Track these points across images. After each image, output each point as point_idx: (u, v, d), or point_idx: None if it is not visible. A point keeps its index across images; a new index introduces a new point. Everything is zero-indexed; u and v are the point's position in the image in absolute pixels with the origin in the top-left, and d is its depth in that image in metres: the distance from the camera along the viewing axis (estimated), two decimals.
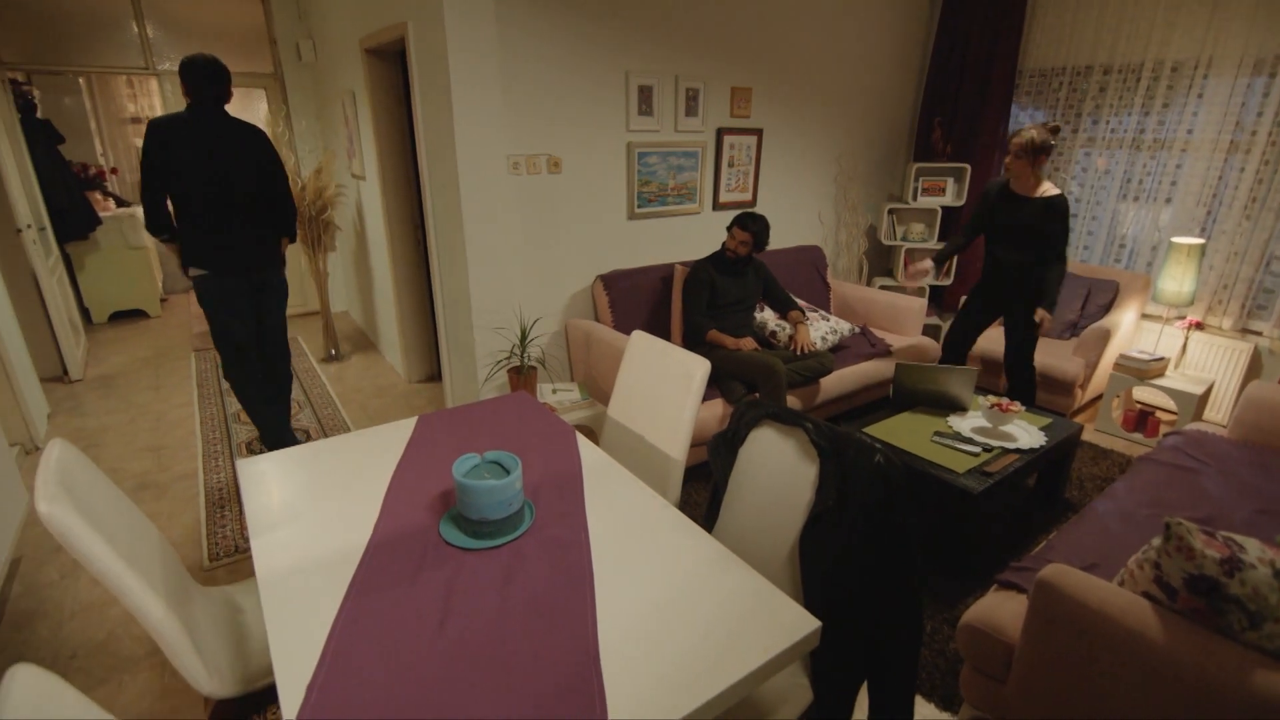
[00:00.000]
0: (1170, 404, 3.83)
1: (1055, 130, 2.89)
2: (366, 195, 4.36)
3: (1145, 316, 3.96)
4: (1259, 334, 3.56)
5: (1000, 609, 1.68)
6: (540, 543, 1.36)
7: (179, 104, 4.90)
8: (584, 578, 1.26)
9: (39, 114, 5.25)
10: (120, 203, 6.16)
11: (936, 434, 2.67)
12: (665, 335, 3.54)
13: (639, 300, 3.45)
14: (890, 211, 4.66)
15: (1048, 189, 2.97)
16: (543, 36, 3.01)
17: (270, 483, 1.59)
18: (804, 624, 1.14)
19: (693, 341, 3.22)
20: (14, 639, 2.12)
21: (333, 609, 1.17)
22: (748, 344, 3.12)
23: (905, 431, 2.70)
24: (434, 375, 4.33)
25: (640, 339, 2.11)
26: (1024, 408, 2.91)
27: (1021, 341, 3.22)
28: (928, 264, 3.30)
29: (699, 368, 1.84)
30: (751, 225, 3.13)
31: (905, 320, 3.98)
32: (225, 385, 4.17)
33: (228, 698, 1.30)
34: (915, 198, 4.56)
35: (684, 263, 3.55)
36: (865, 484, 1.30)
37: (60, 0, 4.41)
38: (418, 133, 3.13)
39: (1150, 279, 3.82)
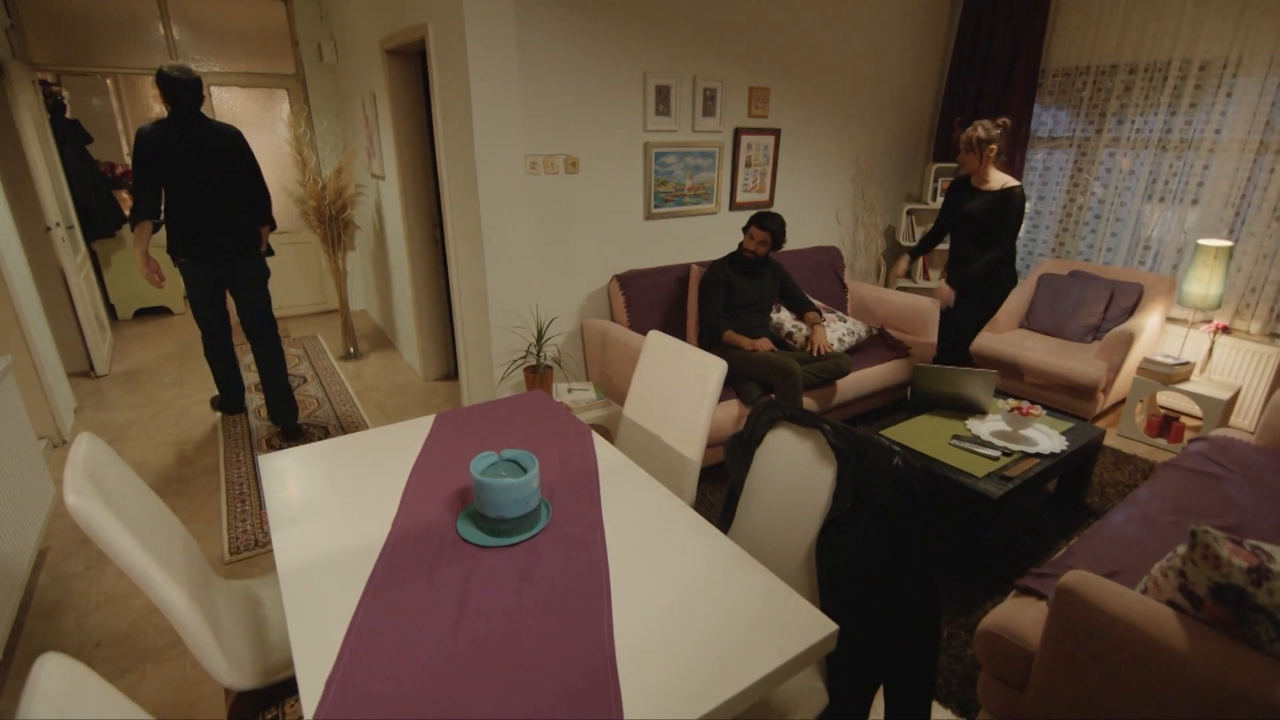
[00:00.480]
0: (1195, 409, 3.76)
1: (1004, 125, 3.01)
2: (386, 195, 4.40)
3: (1170, 320, 3.89)
4: None
5: (1019, 615, 1.66)
6: (556, 541, 1.37)
7: (204, 103, 4.97)
8: (600, 577, 1.26)
9: (68, 114, 5.37)
10: None
11: (955, 437, 2.64)
12: (681, 335, 3.54)
13: (655, 300, 3.45)
14: (909, 212, 4.62)
15: (1006, 181, 3.02)
16: (561, 37, 3.02)
17: (290, 478, 1.61)
18: (821, 627, 1.14)
19: (708, 342, 3.22)
20: (40, 628, 2.16)
21: (351, 604, 1.18)
22: (764, 345, 3.11)
23: (923, 434, 2.68)
24: (450, 374, 4.36)
25: (657, 339, 2.11)
26: (1044, 411, 2.87)
27: (965, 331, 3.30)
28: (945, 289, 3.24)
29: (716, 368, 1.83)
30: (769, 224, 3.12)
31: (923, 322, 3.94)
32: (248, 381, 4.22)
33: (247, 690, 1.32)
34: (934, 198, 4.51)
35: (700, 263, 3.55)
36: (884, 487, 1.29)
37: (89, 3, 4.50)
38: (437, 133, 3.16)
39: (1175, 281, 3.75)
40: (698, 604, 1.19)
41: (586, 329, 3.48)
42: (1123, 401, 3.95)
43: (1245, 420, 3.61)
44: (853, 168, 4.43)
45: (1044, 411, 2.66)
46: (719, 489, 2.99)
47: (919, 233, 4.64)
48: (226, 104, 5.11)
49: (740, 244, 3.23)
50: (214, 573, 1.54)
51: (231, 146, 3.08)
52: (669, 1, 3.27)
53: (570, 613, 1.16)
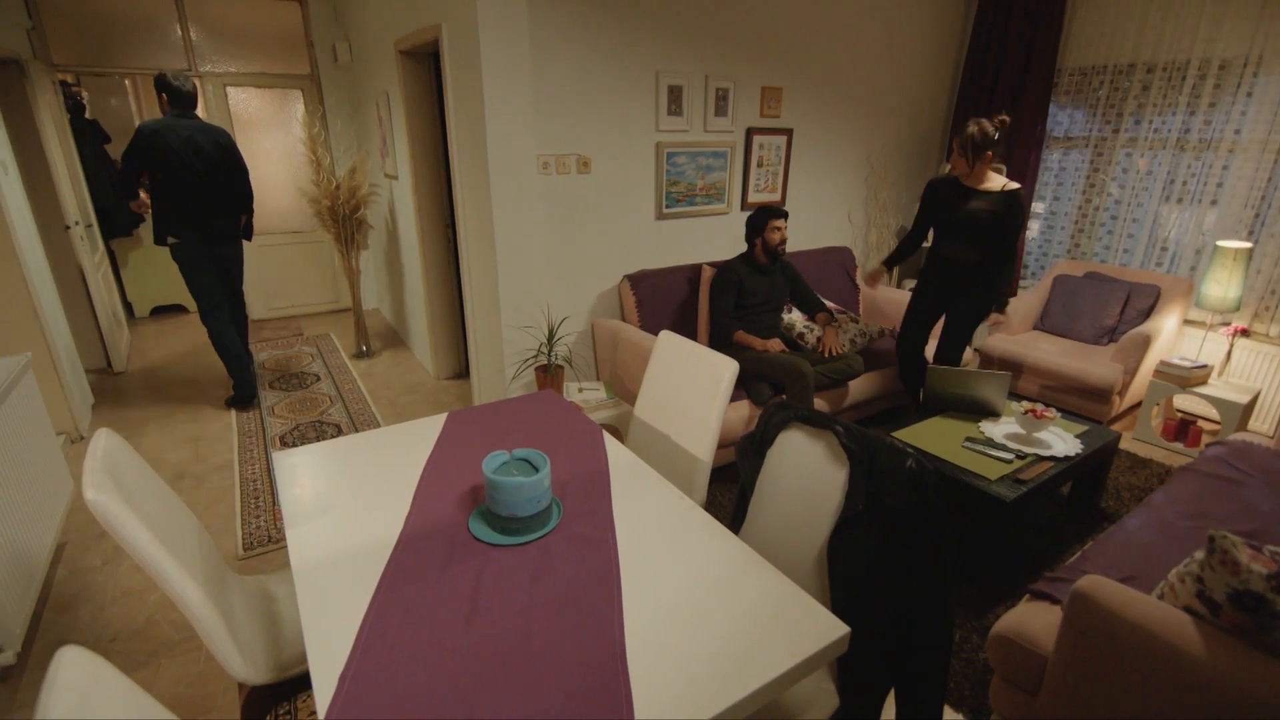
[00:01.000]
0: (1213, 413, 3.71)
1: (1003, 124, 2.85)
2: (399, 195, 4.43)
3: (1187, 322, 3.84)
4: None
5: (1033, 620, 1.64)
6: (567, 540, 1.37)
7: (219, 104, 5.04)
8: (611, 576, 1.26)
9: (87, 114, 5.43)
10: None
11: (968, 439, 2.62)
12: (692, 336, 3.53)
13: (666, 300, 3.45)
14: None
15: (1006, 182, 2.93)
16: (574, 37, 3.02)
17: (304, 475, 1.62)
18: (832, 629, 1.13)
19: (719, 342, 3.21)
20: (58, 621, 2.19)
21: (364, 600, 1.19)
22: (775, 345, 3.10)
23: (935, 436, 2.66)
24: (462, 373, 4.38)
25: (668, 339, 2.11)
26: (1059, 414, 2.84)
27: (960, 340, 3.19)
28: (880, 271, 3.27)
29: (727, 369, 1.83)
30: (783, 211, 3.18)
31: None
32: (261, 379, 4.27)
33: (261, 684, 1.33)
34: None
35: (712, 263, 3.55)
36: (896, 489, 1.28)
37: (109, 5, 4.56)
38: (450, 133, 3.17)
39: (1193, 283, 3.70)
40: (708, 605, 1.19)
41: (597, 329, 3.48)
42: (1139, 405, 3.90)
43: (1264, 424, 3.56)
44: (865, 168, 4.41)
45: (1058, 414, 2.64)
46: (728, 490, 2.98)
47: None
48: (242, 104, 5.16)
49: (758, 241, 3.21)
50: (228, 568, 1.56)
51: (222, 142, 3.56)
52: (681, 1, 3.26)
53: (581, 612, 1.17)
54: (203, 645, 2.08)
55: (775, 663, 1.06)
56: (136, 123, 6.41)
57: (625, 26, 3.15)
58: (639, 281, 3.39)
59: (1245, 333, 3.58)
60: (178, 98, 3.42)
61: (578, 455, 1.73)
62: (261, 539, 2.62)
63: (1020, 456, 2.49)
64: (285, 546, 2.57)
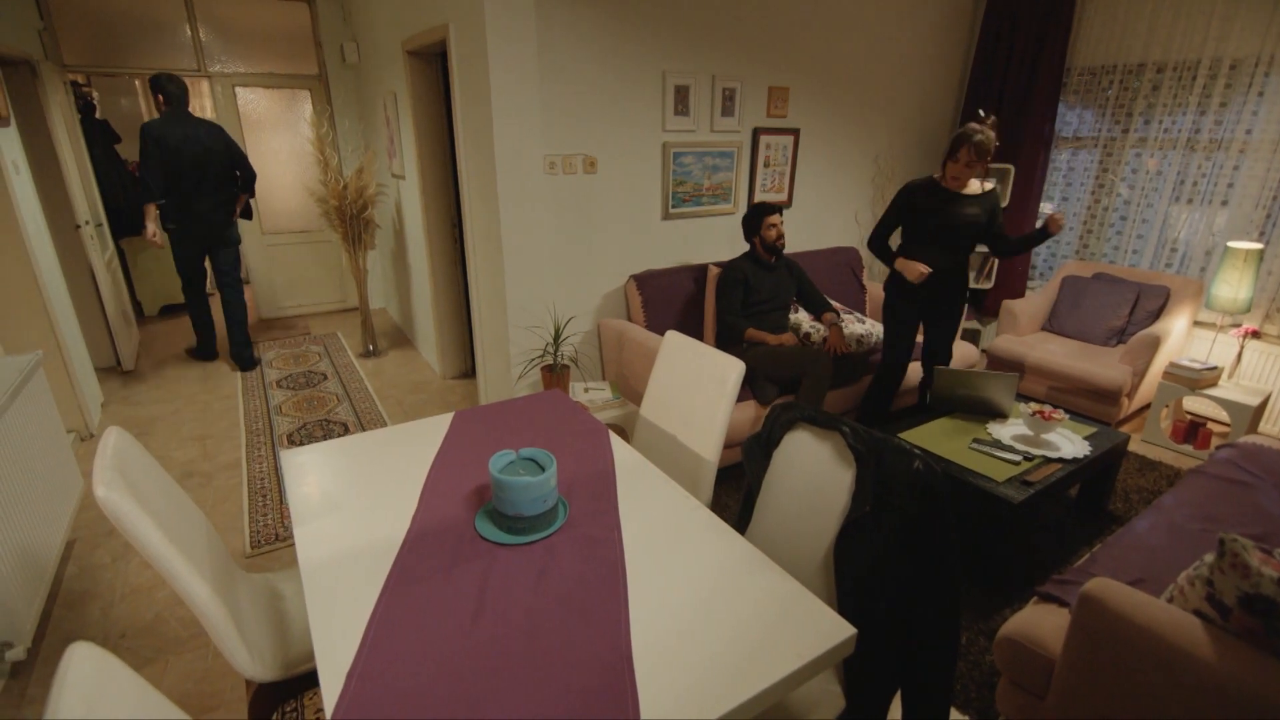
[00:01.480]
0: (1223, 415, 3.68)
1: (995, 124, 2.78)
2: (406, 194, 4.44)
3: (1197, 323, 3.81)
4: None
5: (1041, 622, 1.64)
6: (573, 540, 1.37)
7: (228, 104, 5.06)
8: (617, 576, 1.26)
9: (98, 114, 5.47)
10: None
11: (975, 441, 2.61)
12: (698, 336, 3.53)
13: (672, 300, 3.44)
14: None
15: (984, 182, 2.88)
16: (581, 37, 3.02)
17: (311, 474, 1.63)
18: (838, 630, 1.13)
19: (727, 341, 3.21)
20: (67, 617, 2.21)
21: (371, 599, 1.19)
22: (788, 339, 3.11)
23: (942, 437, 2.65)
24: (468, 372, 4.39)
25: (674, 339, 2.10)
26: (1067, 415, 2.82)
27: (948, 347, 3.15)
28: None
29: (733, 369, 1.83)
30: (776, 206, 3.18)
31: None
32: (269, 378, 4.29)
33: (268, 682, 1.34)
34: None
35: (718, 263, 3.54)
36: (903, 490, 1.28)
37: (119, 6, 4.59)
38: (457, 133, 3.18)
39: (1203, 284, 3.68)
40: (714, 605, 1.19)
41: (603, 329, 3.48)
42: (1148, 406, 3.88)
43: (1275, 427, 3.54)
44: (872, 168, 4.40)
45: (1066, 416, 2.62)
46: (733, 490, 2.98)
47: None
48: (250, 104, 5.19)
49: (757, 240, 3.21)
50: (236, 566, 1.57)
51: (214, 135, 3.98)
52: (689, 1, 3.26)
53: (587, 611, 1.17)
54: (210, 642, 2.09)
55: (781, 664, 1.06)
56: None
57: (632, 27, 3.15)
58: (645, 282, 3.39)
59: (1256, 334, 3.55)
60: (170, 96, 3.87)
61: (584, 455, 1.73)
62: (269, 537, 2.64)
63: (1028, 458, 2.47)
64: (292, 544, 2.58)
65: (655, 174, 3.46)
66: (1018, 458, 2.46)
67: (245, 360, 4.40)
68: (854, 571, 1.35)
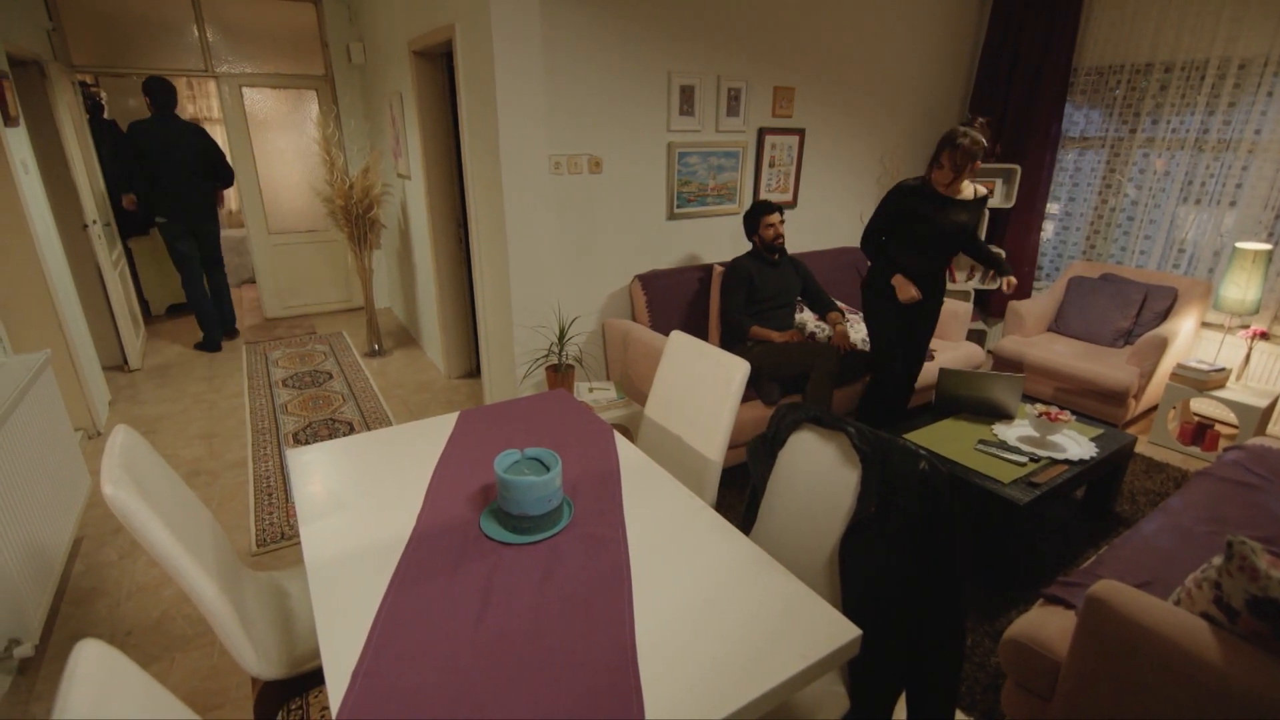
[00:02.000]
0: (1231, 417, 3.66)
1: (984, 126, 2.67)
2: (411, 194, 4.45)
3: (1205, 325, 3.79)
4: None
5: (1047, 624, 1.63)
6: (578, 540, 1.37)
7: (235, 104, 5.08)
8: (621, 576, 1.26)
9: (106, 114, 5.50)
10: None
11: (981, 442, 2.60)
12: (702, 336, 3.53)
13: (677, 300, 3.44)
14: None
15: (977, 188, 2.77)
16: (587, 37, 3.03)
17: (317, 473, 1.63)
18: (844, 632, 1.13)
19: (732, 339, 3.20)
20: (75, 614, 2.22)
21: (377, 598, 1.20)
22: (794, 336, 3.11)
23: (948, 438, 2.64)
24: (473, 372, 4.40)
25: (679, 339, 2.10)
26: (1073, 417, 2.81)
27: (924, 351, 3.09)
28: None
29: (738, 369, 1.83)
30: (775, 206, 3.17)
31: (949, 325, 3.89)
32: (274, 377, 4.31)
33: (274, 680, 1.34)
34: None
35: (723, 263, 3.54)
36: (909, 492, 1.27)
37: (127, 7, 4.61)
38: (462, 133, 3.18)
39: (1211, 286, 3.65)
40: (719, 606, 1.19)
41: (608, 328, 3.49)
42: (1155, 408, 3.86)
43: None
44: (878, 168, 4.39)
45: (1073, 417, 2.61)
46: (740, 490, 2.98)
47: None
48: (257, 104, 5.21)
49: (756, 239, 3.21)
50: (242, 564, 1.57)
51: (199, 137, 4.48)
52: (694, 1, 3.26)
53: (592, 611, 1.17)
54: (216, 640, 2.10)
55: (786, 664, 1.06)
56: None
57: (637, 27, 3.15)
58: (650, 281, 3.39)
59: (1265, 336, 3.53)
60: (158, 98, 4.28)
61: (588, 455, 1.74)
62: (275, 535, 2.65)
63: (1034, 459, 2.46)
64: (298, 543, 2.59)
65: (660, 174, 3.46)
66: (1024, 459, 2.45)
67: (229, 330, 5.09)
68: (859, 573, 1.35)
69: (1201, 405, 3.75)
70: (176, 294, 5.85)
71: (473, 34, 2.86)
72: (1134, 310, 3.76)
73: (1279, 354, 3.48)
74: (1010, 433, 2.66)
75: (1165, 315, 3.70)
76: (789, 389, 3.08)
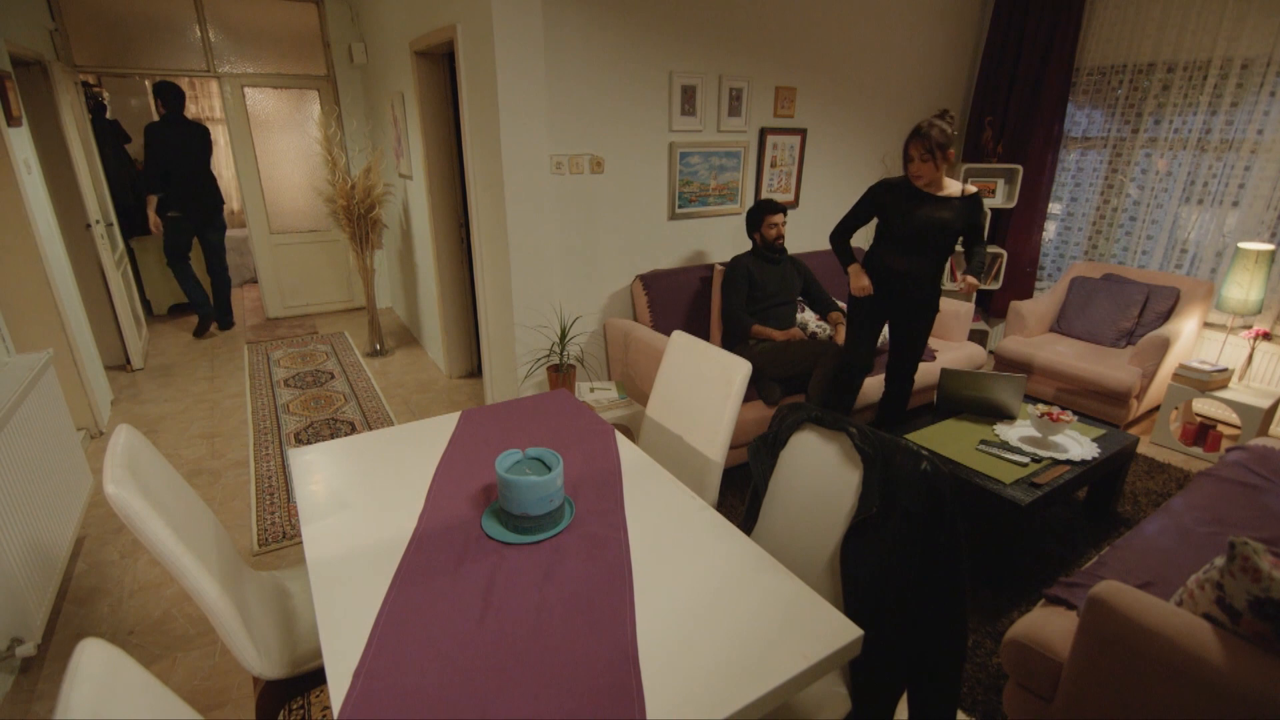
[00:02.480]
0: (1233, 417, 3.65)
1: (952, 118, 2.63)
2: (413, 194, 4.45)
3: (1208, 325, 3.79)
4: None
5: (1048, 625, 1.63)
6: (580, 540, 1.37)
7: (237, 104, 5.09)
8: (623, 576, 1.26)
9: (108, 115, 5.51)
10: None
11: (982, 442, 2.60)
12: (704, 336, 3.53)
13: (678, 300, 3.44)
14: None
15: (965, 186, 2.72)
16: (588, 38, 3.03)
17: (319, 472, 1.63)
18: (845, 632, 1.13)
19: (733, 338, 3.20)
20: (77, 613, 2.23)
21: (378, 597, 1.20)
22: (796, 334, 3.10)
23: (949, 439, 2.64)
24: (474, 371, 4.40)
25: (681, 339, 2.10)
26: (1075, 417, 2.80)
27: (917, 351, 2.98)
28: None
29: (739, 369, 1.83)
30: (780, 205, 3.17)
31: (951, 325, 3.89)
32: (276, 376, 4.31)
33: (275, 679, 1.34)
34: None
35: (724, 263, 3.54)
36: (911, 492, 1.27)
37: (129, 7, 4.62)
38: (464, 133, 3.19)
39: (1214, 286, 3.65)
40: (721, 606, 1.19)
41: (609, 328, 3.49)
42: (1157, 408, 3.85)
43: None
44: (880, 168, 4.38)
45: (1075, 417, 2.60)
46: (742, 490, 2.98)
47: None
48: (259, 104, 5.21)
49: (757, 237, 3.21)
50: (244, 563, 1.58)
51: (202, 136, 4.83)
52: (695, 1, 3.26)
53: (593, 611, 1.17)
54: (218, 639, 2.10)
55: (787, 665, 1.06)
56: None
57: (639, 27, 3.15)
58: (651, 281, 3.39)
59: (1267, 336, 3.52)
60: (169, 101, 4.66)
61: (590, 455, 1.74)
62: (276, 535, 2.65)
63: (1036, 460, 2.46)
64: (300, 543, 2.59)
65: (662, 174, 3.46)
66: (1025, 459, 2.45)
67: (225, 322, 5.34)
68: (861, 573, 1.35)
69: (1204, 406, 3.74)
70: (178, 294, 5.86)
71: (474, 34, 2.87)
72: (1136, 311, 3.76)
73: None
74: (1012, 433, 2.66)
75: (1167, 316, 3.69)
76: (790, 389, 3.08)
